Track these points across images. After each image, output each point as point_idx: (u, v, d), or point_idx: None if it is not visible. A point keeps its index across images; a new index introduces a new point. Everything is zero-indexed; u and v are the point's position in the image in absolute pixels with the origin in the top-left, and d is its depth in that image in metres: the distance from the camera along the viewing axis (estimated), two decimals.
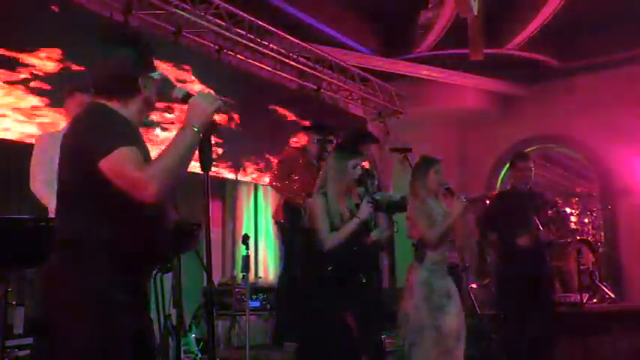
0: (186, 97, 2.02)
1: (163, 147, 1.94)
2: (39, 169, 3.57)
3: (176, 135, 1.94)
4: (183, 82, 6.02)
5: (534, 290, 4.77)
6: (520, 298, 4.73)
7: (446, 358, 3.72)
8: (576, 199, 9.84)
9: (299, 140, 7.04)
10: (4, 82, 4.67)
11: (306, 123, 6.53)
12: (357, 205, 3.64)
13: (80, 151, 1.91)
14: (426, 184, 4.01)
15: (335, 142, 5.15)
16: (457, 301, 3.91)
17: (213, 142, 2.06)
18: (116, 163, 1.83)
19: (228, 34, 6.42)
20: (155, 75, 2.07)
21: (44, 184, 3.46)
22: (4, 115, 4.67)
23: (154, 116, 5.63)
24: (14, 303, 3.49)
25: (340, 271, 3.45)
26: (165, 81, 2.17)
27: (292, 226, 5.01)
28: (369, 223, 3.62)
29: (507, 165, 9.77)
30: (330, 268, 3.45)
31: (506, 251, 4.92)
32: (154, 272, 3.17)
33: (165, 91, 2.11)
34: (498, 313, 5.32)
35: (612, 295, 7.32)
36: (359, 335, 3.40)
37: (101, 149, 1.84)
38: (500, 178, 9.86)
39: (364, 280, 3.57)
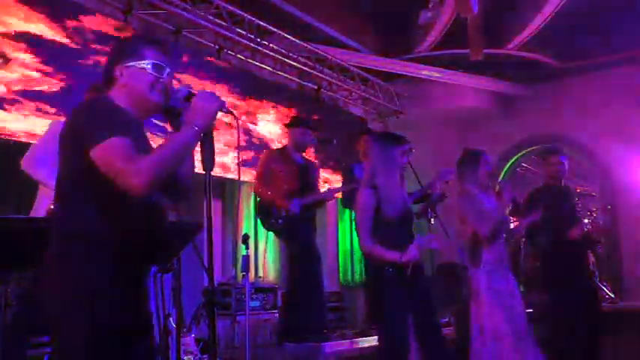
0: (188, 97, 2.01)
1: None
2: (37, 148, 3.60)
3: (176, 132, 1.95)
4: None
5: (585, 290, 4.60)
6: (572, 299, 4.49)
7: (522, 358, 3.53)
8: (576, 199, 9.81)
9: None
10: None
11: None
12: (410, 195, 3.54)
13: (75, 140, 1.90)
14: (477, 178, 3.81)
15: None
16: (521, 301, 3.71)
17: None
18: (106, 152, 1.82)
19: (228, 33, 6.41)
20: (140, 64, 2.01)
21: (33, 159, 3.52)
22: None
23: None
24: (14, 303, 3.48)
25: (400, 269, 3.28)
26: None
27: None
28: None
29: (507, 164, 9.91)
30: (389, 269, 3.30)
31: (553, 252, 4.65)
32: (154, 272, 3.16)
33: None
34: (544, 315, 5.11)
35: (612, 295, 7.33)
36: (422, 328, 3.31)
37: (94, 137, 1.83)
38: (500, 178, 9.85)
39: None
